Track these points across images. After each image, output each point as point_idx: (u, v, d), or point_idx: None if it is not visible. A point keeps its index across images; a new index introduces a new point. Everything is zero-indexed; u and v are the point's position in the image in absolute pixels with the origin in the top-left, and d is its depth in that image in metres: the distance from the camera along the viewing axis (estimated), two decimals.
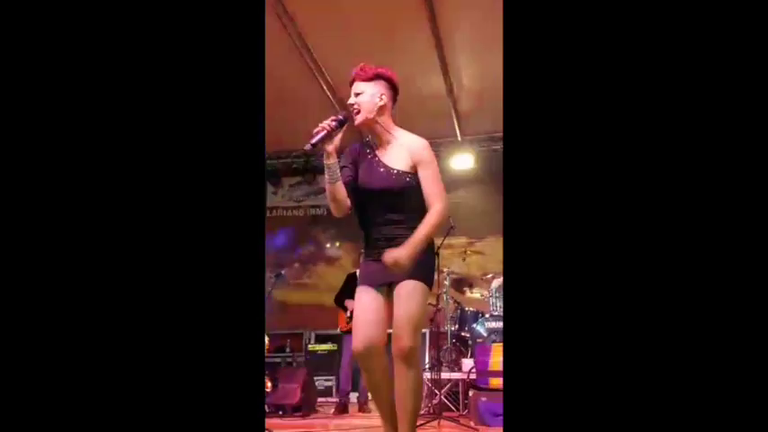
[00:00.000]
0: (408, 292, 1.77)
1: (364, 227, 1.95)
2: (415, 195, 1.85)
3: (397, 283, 1.79)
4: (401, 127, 1.99)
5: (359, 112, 1.87)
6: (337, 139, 1.85)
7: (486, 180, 6.77)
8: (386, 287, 1.84)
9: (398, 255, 1.71)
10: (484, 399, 3.86)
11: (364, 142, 2.02)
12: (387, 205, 1.87)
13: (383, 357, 1.82)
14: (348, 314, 4.87)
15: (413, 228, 1.80)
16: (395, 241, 1.81)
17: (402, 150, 1.89)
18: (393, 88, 1.95)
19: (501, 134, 6.82)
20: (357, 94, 1.88)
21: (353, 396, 4.90)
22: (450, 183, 6.73)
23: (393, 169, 1.86)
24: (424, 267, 1.83)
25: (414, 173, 1.85)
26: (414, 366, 1.76)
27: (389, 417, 1.84)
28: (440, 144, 7.01)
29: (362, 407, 4.73)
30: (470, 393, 4.14)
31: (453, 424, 3.73)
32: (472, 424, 3.70)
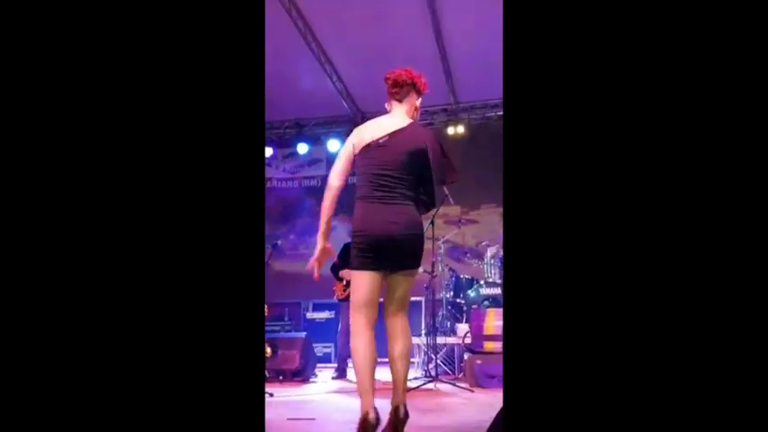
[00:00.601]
0: None
1: None
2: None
3: None
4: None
5: None
6: None
7: (481, 148, 6.76)
8: None
9: None
10: (479, 362, 3.96)
11: None
12: None
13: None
14: (344, 283, 4.93)
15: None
16: None
17: None
18: (387, 84, 2.22)
19: (495, 101, 6.79)
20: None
21: (351, 362, 5.00)
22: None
23: None
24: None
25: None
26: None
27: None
28: (433, 112, 6.98)
29: None
30: (466, 357, 4.24)
31: (449, 386, 3.83)
32: (467, 386, 3.80)
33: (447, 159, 2.19)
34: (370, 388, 1.96)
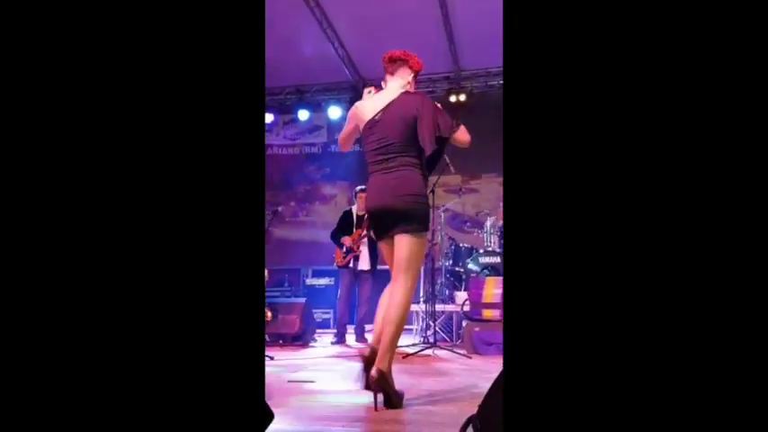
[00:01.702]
0: None
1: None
2: None
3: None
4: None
5: None
6: None
7: (483, 117, 6.68)
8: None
9: None
10: (477, 329, 4.02)
11: None
12: None
13: None
14: (344, 249, 4.97)
15: None
16: None
17: None
18: (384, 61, 2.40)
19: (498, 69, 6.70)
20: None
21: (351, 327, 5.08)
22: None
23: None
24: None
25: None
26: None
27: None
28: (435, 80, 6.91)
29: (359, 337, 4.91)
30: (464, 324, 4.30)
31: (447, 352, 3.90)
32: (465, 352, 3.86)
33: (440, 114, 2.19)
34: (374, 334, 2.16)
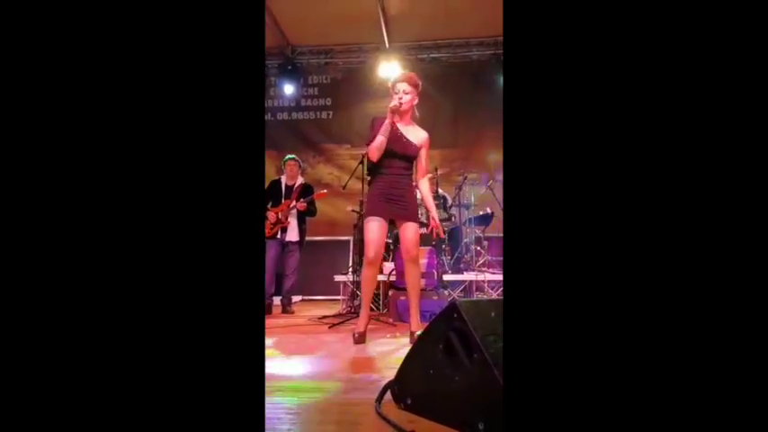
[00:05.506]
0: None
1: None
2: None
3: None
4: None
5: (403, 104, 2.86)
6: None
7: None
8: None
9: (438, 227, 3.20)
10: (402, 298, 4.11)
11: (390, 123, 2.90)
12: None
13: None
14: (272, 222, 4.89)
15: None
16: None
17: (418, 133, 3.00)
18: (419, 93, 2.97)
19: (429, 43, 6.72)
20: (405, 92, 2.88)
21: (276, 299, 5.03)
22: (375, 92, 6.63)
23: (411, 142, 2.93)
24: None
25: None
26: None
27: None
28: (366, 51, 6.83)
29: (285, 308, 4.88)
30: (390, 293, 4.39)
31: (374, 321, 3.97)
32: (391, 320, 3.96)
33: None
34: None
